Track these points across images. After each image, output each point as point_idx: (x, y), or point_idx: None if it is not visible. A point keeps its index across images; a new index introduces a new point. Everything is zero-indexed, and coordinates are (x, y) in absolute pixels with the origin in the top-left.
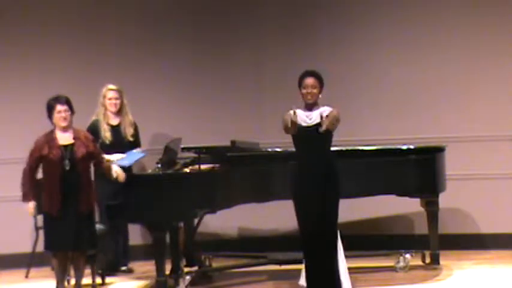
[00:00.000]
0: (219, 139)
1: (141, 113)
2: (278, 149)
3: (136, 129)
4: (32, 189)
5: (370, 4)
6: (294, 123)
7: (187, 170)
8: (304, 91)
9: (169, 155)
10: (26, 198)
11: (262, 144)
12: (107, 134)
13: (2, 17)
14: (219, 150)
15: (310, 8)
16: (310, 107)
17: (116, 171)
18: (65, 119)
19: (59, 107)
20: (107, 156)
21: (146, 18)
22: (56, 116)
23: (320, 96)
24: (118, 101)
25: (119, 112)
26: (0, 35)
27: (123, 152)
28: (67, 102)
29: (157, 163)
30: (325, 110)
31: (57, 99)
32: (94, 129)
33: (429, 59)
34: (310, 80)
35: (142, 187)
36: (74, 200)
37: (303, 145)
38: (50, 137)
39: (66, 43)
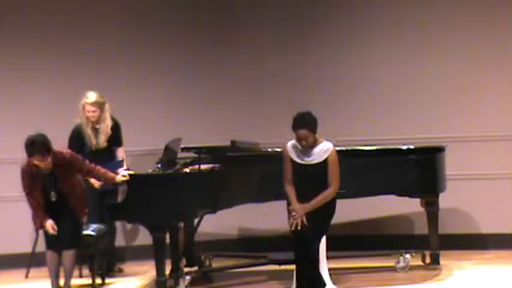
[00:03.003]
0: (219, 139)
1: (140, 113)
2: (278, 149)
3: (113, 130)
4: (43, 215)
5: (370, 4)
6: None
7: (187, 170)
8: (298, 142)
9: (169, 155)
10: (42, 226)
11: (262, 144)
12: (92, 140)
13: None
14: (219, 150)
15: (309, 9)
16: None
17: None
18: (44, 164)
19: (37, 160)
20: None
21: (146, 18)
22: (35, 162)
23: (316, 136)
24: (96, 113)
25: (99, 120)
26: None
27: (100, 157)
28: (42, 149)
29: (157, 163)
30: (328, 149)
31: (33, 150)
32: (78, 134)
33: (429, 59)
34: (302, 132)
35: (142, 187)
36: (65, 207)
37: (299, 182)
38: (32, 166)
39: (66, 43)
